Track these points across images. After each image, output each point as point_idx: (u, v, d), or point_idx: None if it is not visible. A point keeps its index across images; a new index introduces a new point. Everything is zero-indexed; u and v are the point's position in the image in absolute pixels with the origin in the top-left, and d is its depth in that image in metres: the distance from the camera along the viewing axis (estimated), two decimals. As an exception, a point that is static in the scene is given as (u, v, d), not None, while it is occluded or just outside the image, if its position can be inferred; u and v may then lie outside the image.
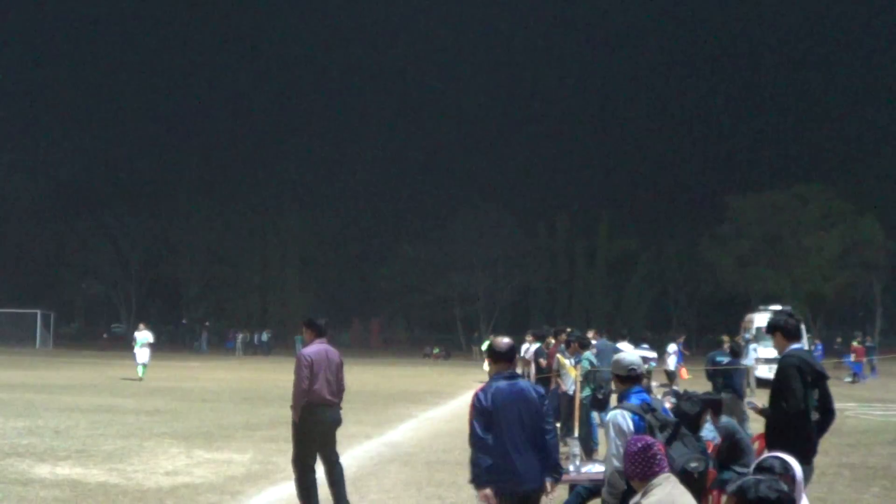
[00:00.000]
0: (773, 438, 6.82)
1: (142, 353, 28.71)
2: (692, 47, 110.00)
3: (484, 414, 6.15)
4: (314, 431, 9.22)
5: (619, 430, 5.74)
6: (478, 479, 6.17)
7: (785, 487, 3.52)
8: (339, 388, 9.43)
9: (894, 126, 79.84)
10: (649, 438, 5.11)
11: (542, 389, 6.52)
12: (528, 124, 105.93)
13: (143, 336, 28.99)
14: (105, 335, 67.61)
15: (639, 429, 5.75)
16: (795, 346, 7.10)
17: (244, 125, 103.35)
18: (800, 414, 6.70)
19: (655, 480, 4.67)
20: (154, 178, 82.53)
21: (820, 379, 7.01)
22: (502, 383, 6.25)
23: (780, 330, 7.07)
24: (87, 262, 76.06)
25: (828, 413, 7.09)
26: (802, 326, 31.71)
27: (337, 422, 9.45)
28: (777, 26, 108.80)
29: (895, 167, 70.12)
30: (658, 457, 4.77)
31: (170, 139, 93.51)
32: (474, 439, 6.18)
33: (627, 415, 5.83)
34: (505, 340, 6.56)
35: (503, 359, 6.43)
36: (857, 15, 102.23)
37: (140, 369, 28.60)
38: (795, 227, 68.23)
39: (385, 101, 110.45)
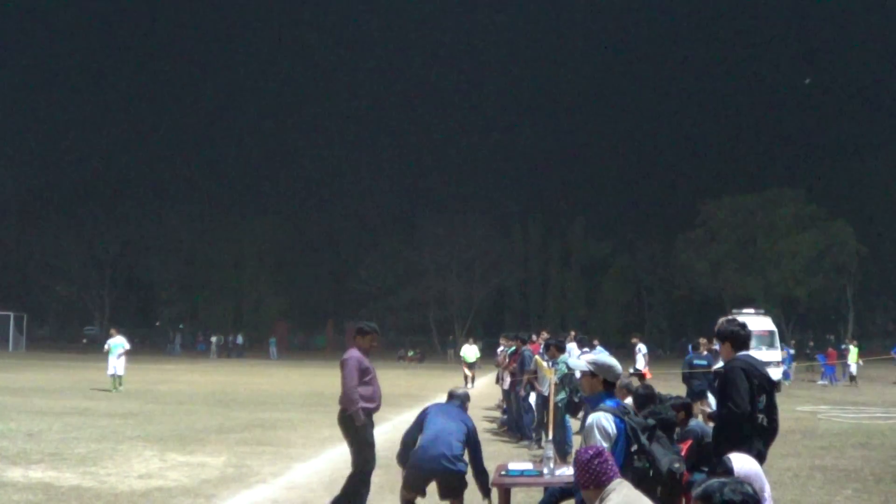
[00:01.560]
0: (719, 442, 6.79)
1: (116, 362, 25.68)
2: (667, 54, 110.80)
3: (420, 414, 8.66)
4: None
5: (604, 433, 5.76)
6: (399, 460, 8.63)
7: (750, 490, 3.52)
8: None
9: (867, 132, 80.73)
10: (598, 446, 5.14)
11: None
12: (502, 127, 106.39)
13: (117, 342, 26.06)
14: (84, 340, 67.10)
15: (620, 431, 5.78)
16: (742, 353, 7.08)
17: (218, 129, 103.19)
18: (746, 415, 6.66)
19: (610, 486, 4.69)
20: (128, 180, 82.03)
21: (768, 384, 6.97)
22: None
23: (729, 340, 7.06)
24: (60, 263, 75.34)
25: (773, 423, 7.02)
26: (776, 332, 31.36)
27: (345, 426, 9.34)
28: (751, 33, 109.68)
29: (867, 172, 70.78)
30: (609, 462, 4.79)
31: (144, 141, 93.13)
32: (407, 431, 8.68)
33: (610, 417, 5.85)
34: None
35: None
36: (831, 23, 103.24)
37: (116, 381, 25.60)
38: (768, 231, 68.67)
39: (359, 105, 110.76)
